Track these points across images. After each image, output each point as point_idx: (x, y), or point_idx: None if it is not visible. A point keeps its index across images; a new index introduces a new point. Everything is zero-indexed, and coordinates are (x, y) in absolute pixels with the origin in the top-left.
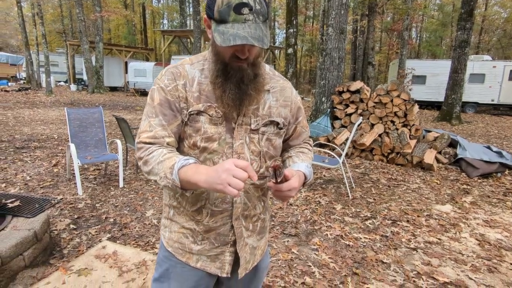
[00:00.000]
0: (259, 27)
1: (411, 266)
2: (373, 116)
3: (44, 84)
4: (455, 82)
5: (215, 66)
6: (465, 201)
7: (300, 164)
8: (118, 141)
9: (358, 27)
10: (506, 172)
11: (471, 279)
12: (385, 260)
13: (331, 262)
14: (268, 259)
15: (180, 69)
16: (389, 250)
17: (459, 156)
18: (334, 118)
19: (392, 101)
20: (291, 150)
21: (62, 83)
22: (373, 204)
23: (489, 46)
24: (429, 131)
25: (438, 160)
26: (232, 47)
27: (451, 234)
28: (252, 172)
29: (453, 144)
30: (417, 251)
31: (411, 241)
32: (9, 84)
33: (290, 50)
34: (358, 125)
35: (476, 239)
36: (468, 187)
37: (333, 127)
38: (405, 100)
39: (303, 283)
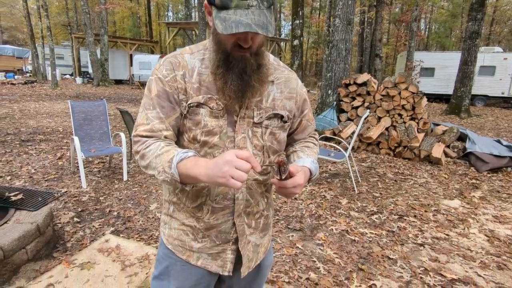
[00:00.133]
0: (263, 13)
1: (418, 262)
2: (380, 109)
3: (49, 77)
4: (464, 75)
5: (216, 56)
6: (474, 196)
7: (306, 159)
8: (122, 134)
9: (366, 19)
10: None
11: (480, 276)
12: (391, 256)
13: (336, 257)
14: (271, 257)
15: (179, 59)
16: (396, 245)
17: (468, 150)
18: (340, 111)
19: (400, 93)
20: (296, 145)
21: (67, 76)
22: (379, 198)
23: (500, 37)
24: (438, 125)
25: (446, 154)
26: (234, 35)
27: (460, 230)
28: (255, 162)
29: (462, 137)
30: (424, 247)
31: (418, 236)
32: (16, 77)
33: (296, 42)
34: (365, 118)
35: (485, 235)
36: (477, 181)
37: (339, 120)
38: (413, 93)
39: (307, 278)
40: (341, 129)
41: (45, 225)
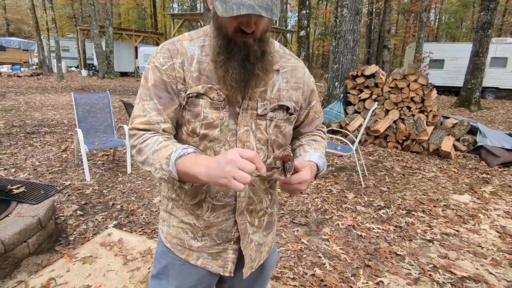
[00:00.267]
0: None
1: (427, 258)
2: (388, 101)
3: (55, 70)
4: (475, 66)
5: (216, 42)
6: (484, 191)
7: (313, 154)
8: (126, 127)
9: (374, 9)
10: None
11: (491, 273)
12: (399, 252)
13: (342, 253)
14: (275, 256)
15: (177, 46)
16: (404, 241)
17: (479, 144)
18: (347, 103)
19: (409, 86)
20: (302, 138)
21: (73, 68)
22: (386, 193)
23: None
24: (448, 118)
25: (456, 148)
26: (235, 19)
27: (470, 226)
28: (260, 163)
29: (473, 131)
30: (433, 243)
31: (427, 232)
32: (22, 69)
33: (302, 33)
34: (373, 111)
35: (497, 231)
36: (488, 176)
37: (346, 113)
38: (422, 85)
39: (312, 274)
40: (348, 122)
41: (47, 219)
